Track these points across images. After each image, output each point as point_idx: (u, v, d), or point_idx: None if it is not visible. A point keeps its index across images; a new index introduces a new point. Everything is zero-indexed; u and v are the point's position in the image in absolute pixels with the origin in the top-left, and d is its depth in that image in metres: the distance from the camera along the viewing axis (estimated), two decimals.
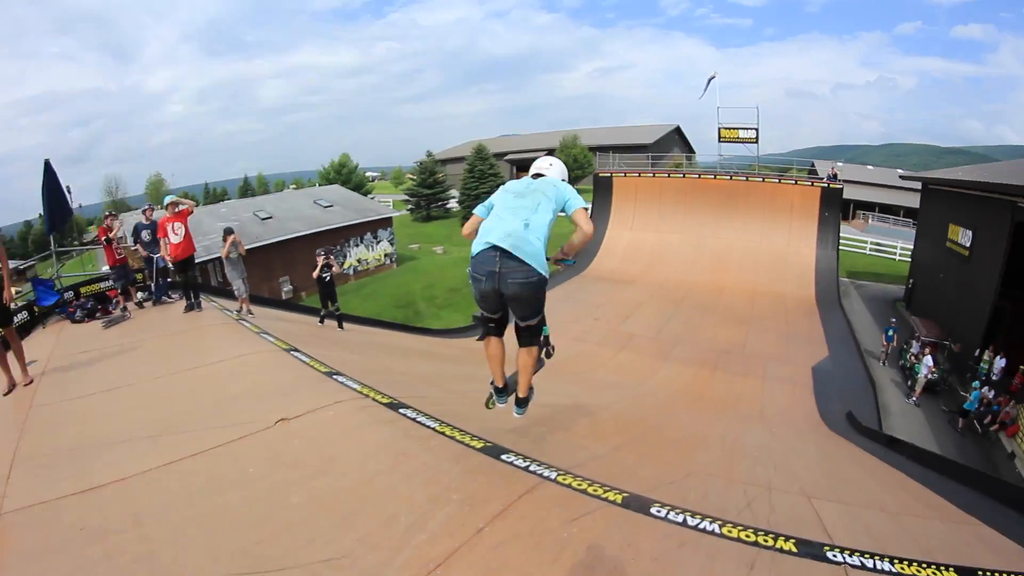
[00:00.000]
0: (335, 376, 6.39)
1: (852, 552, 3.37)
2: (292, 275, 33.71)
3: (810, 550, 3.38)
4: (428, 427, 4.91)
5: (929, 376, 19.73)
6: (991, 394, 17.74)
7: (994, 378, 18.91)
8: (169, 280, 13.61)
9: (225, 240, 12.34)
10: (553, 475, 4.10)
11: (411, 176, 58.59)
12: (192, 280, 12.16)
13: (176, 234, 11.70)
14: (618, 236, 35.46)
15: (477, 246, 4.18)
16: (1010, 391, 18.17)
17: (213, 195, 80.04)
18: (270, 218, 35.23)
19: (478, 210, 4.59)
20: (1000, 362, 19.20)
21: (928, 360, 19.87)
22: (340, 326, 14.89)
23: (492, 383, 5.02)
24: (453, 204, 54.15)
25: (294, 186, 68.10)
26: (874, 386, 20.24)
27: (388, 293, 34.72)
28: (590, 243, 34.30)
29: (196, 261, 13.03)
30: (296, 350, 8.01)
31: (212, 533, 3.51)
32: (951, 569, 3.26)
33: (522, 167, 72.73)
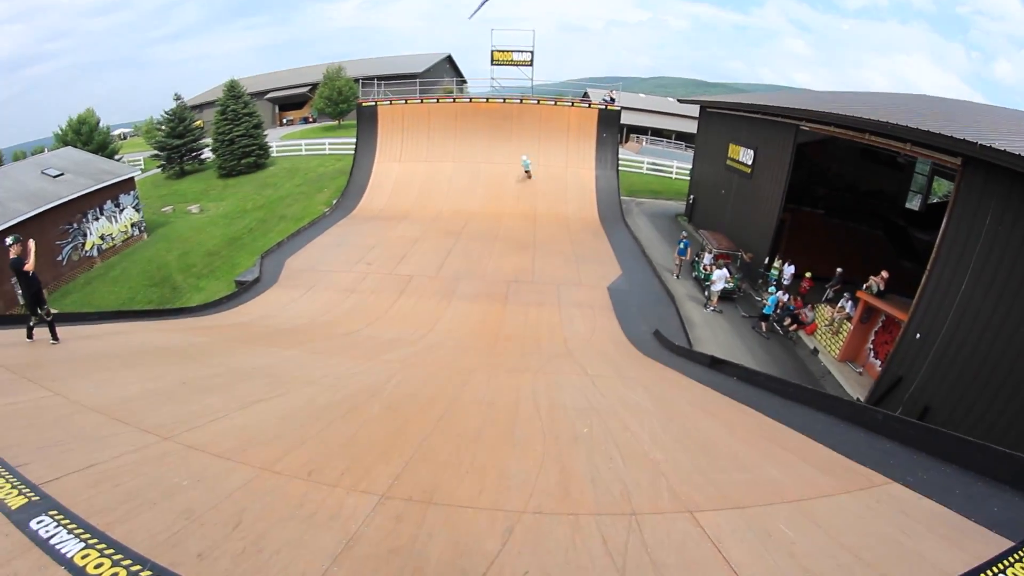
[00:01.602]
0: None
1: None
2: None
3: None
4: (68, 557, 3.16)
5: (725, 285, 19.77)
6: (785, 297, 18.38)
7: (785, 283, 19.49)
8: None
9: None
10: None
11: (160, 127, 49.80)
12: None
13: None
14: (386, 170, 31.86)
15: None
16: (801, 294, 19.19)
17: None
18: None
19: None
20: (789, 268, 19.79)
21: (724, 271, 19.86)
22: (54, 337, 10.09)
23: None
24: (208, 154, 46.31)
25: (32, 156, 54.64)
26: (673, 299, 19.49)
27: (139, 270, 28.85)
28: (357, 180, 31.43)
29: None
30: None
31: None
32: None
33: (285, 106, 65.77)
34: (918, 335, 12.77)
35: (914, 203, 24.74)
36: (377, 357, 11.20)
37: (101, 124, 48.83)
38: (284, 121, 65.47)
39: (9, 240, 9.79)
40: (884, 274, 15.33)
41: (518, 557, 3.50)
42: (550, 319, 16.75)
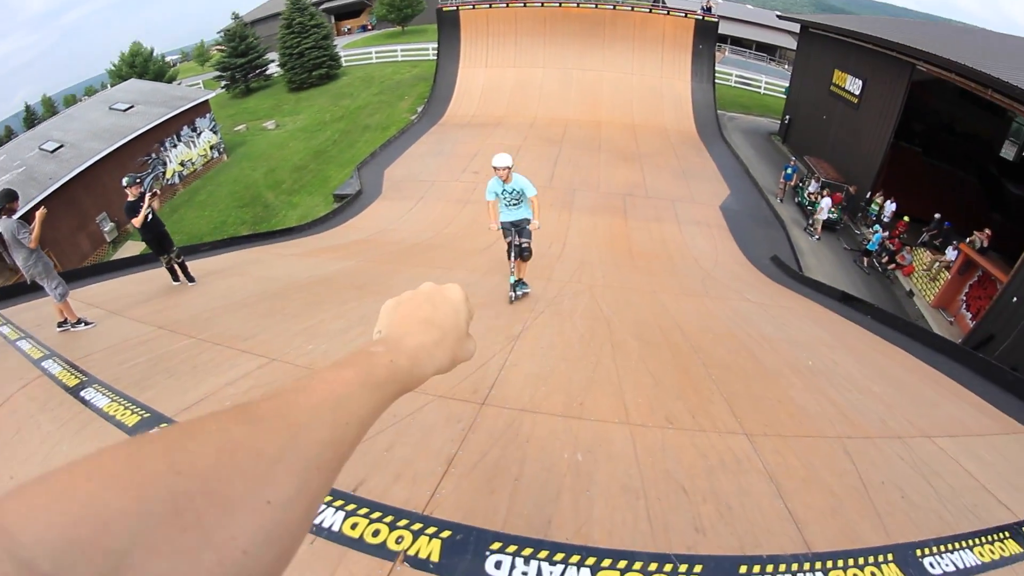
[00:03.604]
0: None
1: None
2: (109, 209, 25.93)
3: None
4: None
5: (830, 215, 19.59)
6: (885, 235, 18.26)
7: (885, 220, 19.39)
8: None
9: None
10: None
11: (219, 48, 49.04)
12: None
13: None
14: (473, 75, 30.92)
15: (506, 219, 7.57)
16: (892, 234, 18.97)
17: None
18: (61, 147, 26.10)
19: (489, 197, 7.44)
20: (891, 206, 19.61)
21: (827, 201, 19.52)
22: (187, 276, 9.46)
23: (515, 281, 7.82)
24: (274, 69, 45.50)
25: (86, 96, 53.85)
26: (783, 224, 19.16)
27: (226, 192, 28.80)
28: (442, 86, 30.75)
29: None
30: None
31: None
32: None
33: (341, 15, 64.47)
34: (1015, 299, 13.15)
35: (1009, 153, 23.15)
36: (551, 279, 10.05)
37: (155, 53, 48.58)
38: (345, 30, 64.23)
39: (125, 181, 8.56)
40: (988, 232, 15.75)
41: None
42: (674, 237, 16.50)
